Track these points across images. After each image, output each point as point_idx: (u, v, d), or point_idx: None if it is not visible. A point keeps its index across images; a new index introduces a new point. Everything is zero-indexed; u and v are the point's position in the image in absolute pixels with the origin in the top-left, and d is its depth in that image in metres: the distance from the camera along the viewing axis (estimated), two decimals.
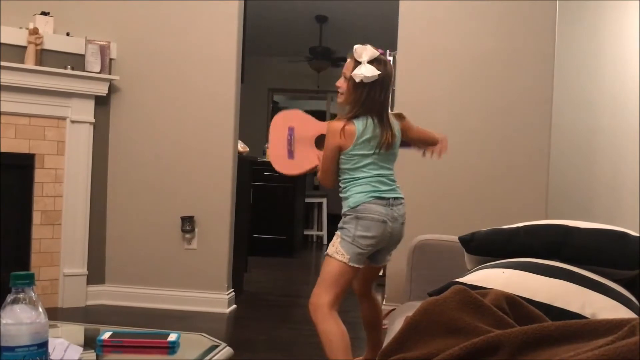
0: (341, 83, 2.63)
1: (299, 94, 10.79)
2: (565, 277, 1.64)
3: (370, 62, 2.54)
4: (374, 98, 2.54)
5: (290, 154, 2.89)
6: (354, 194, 2.54)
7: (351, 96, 2.56)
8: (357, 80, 2.51)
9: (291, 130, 2.90)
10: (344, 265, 2.50)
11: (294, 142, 2.88)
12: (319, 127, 2.87)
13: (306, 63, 9.07)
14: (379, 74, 2.52)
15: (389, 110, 2.63)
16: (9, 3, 4.04)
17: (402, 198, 2.62)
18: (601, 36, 4.71)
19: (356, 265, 2.52)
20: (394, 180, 2.63)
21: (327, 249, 2.58)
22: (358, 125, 2.52)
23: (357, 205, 2.52)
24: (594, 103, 4.73)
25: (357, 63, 2.55)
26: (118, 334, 1.73)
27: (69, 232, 4.14)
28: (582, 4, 4.69)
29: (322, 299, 2.50)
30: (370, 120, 2.53)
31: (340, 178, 2.61)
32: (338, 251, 2.51)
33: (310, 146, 2.87)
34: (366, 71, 2.51)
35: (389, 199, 2.55)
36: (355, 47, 2.60)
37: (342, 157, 2.56)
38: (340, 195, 2.62)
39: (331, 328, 2.49)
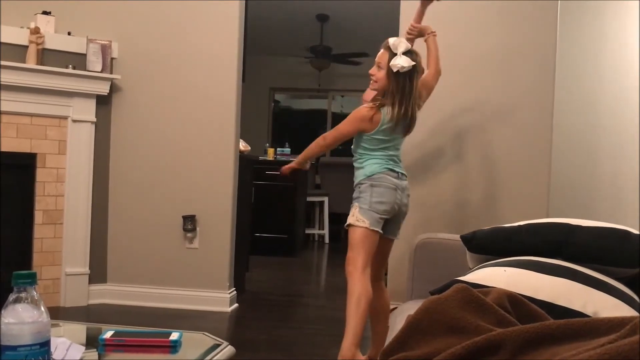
0: (375, 71, 2.86)
1: (300, 93, 10.79)
2: (567, 276, 1.64)
3: (404, 53, 2.78)
4: (404, 88, 2.78)
5: None
6: (370, 165, 2.83)
7: (386, 85, 2.81)
8: (395, 70, 2.75)
9: None
10: (365, 230, 2.74)
11: None
12: None
13: (307, 62, 9.07)
14: (413, 65, 2.76)
15: (415, 98, 2.86)
16: (10, 2, 4.05)
17: (406, 175, 2.94)
18: (602, 36, 4.70)
19: (376, 229, 2.76)
20: (400, 161, 2.94)
21: (347, 221, 2.82)
22: (384, 113, 2.79)
23: (373, 175, 2.81)
24: (596, 102, 4.73)
25: (393, 54, 2.78)
26: (120, 333, 1.73)
27: (70, 232, 4.15)
28: (584, 3, 4.69)
29: (355, 262, 2.73)
30: (397, 110, 2.78)
31: (359, 151, 2.89)
32: (358, 219, 2.76)
33: None
34: (403, 62, 2.75)
35: (398, 172, 2.86)
36: (391, 40, 2.84)
37: (364, 136, 2.84)
38: (355, 164, 2.90)
39: (359, 289, 2.69)
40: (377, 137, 2.83)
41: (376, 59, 2.87)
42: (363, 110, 2.83)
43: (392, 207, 2.81)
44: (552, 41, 4.01)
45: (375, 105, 2.81)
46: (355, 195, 2.85)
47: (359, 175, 2.86)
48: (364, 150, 2.87)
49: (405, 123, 2.85)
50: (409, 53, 2.79)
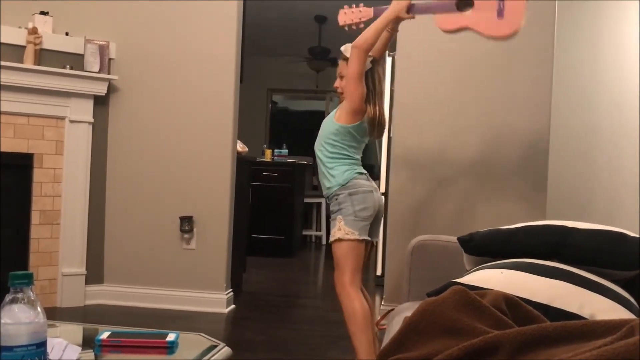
0: (339, 83, 2.84)
1: (298, 94, 10.79)
2: (564, 278, 1.64)
3: None
4: (368, 88, 2.75)
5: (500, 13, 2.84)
6: (341, 172, 2.76)
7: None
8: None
9: None
10: (354, 242, 2.70)
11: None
12: None
13: (305, 63, 9.07)
14: (370, 61, 2.75)
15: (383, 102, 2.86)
16: (8, 3, 4.04)
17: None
18: (600, 36, 4.71)
19: (365, 237, 2.72)
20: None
21: (330, 238, 2.78)
22: (369, 109, 2.76)
23: (347, 182, 2.74)
24: (593, 104, 4.73)
25: (347, 60, 2.76)
26: (116, 334, 1.73)
27: (67, 232, 4.14)
28: (581, 4, 4.70)
29: (342, 280, 2.71)
30: (375, 109, 2.76)
31: (329, 150, 2.79)
32: (347, 232, 2.71)
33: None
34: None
35: (365, 174, 2.82)
36: (343, 47, 2.83)
37: (340, 127, 2.76)
38: (323, 169, 2.81)
39: (353, 306, 2.68)
40: (353, 133, 2.77)
41: (337, 71, 2.85)
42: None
43: (374, 210, 2.76)
44: (549, 42, 4.02)
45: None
46: (333, 207, 2.78)
47: (331, 186, 2.78)
48: (336, 150, 2.77)
49: (381, 125, 2.81)
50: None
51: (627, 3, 4.58)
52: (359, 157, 2.85)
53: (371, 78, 2.77)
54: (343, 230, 2.71)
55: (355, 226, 2.69)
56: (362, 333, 2.66)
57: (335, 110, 2.86)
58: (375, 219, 2.81)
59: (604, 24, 4.71)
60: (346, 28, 2.99)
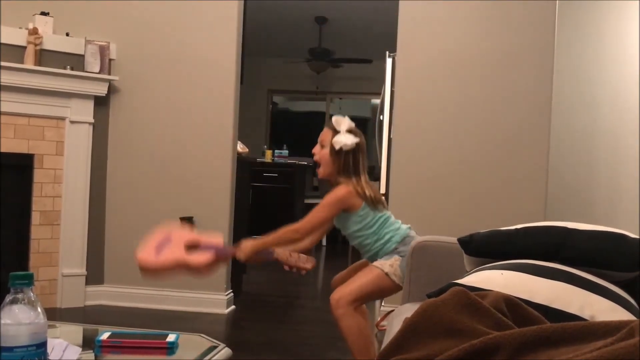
0: (317, 150, 2.82)
1: (298, 95, 10.79)
2: (564, 279, 1.64)
3: (348, 132, 2.75)
4: (348, 165, 2.74)
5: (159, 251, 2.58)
6: (394, 231, 2.76)
7: (330, 164, 2.77)
8: (337, 147, 2.72)
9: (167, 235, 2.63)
10: (394, 286, 2.68)
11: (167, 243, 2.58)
12: (190, 235, 2.63)
13: (305, 64, 9.07)
14: (356, 143, 2.73)
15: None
16: (9, 3, 4.04)
17: None
18: (601, 37, 4.71)
19: (401, 285, 2.65)
20: None
21: (381, 266, 2.70)
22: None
23: (403, 239, 2.75)
24: (594, 104, 4.73)
25: (336, 132, 2.75)
26: (117, 335, 1.73)
27: (67, 233, 4.14)
28: (582, 4, 4.70)
29: (347, 299, 2.63)
30: (362, 182, 2.76)
31: (367, 239, 2.77)
32: (395, 273, 2.68)
33: (179, 248, 2.54)
34: (346, 139, 2.71)
35: (409, 227, 2.88)
36: (334, 117, 2.81)
37: (356, 217, 2.74)
38: (375, 249, 2.76)
39: (355, 324, 2.63)
40: (366, 210, 2.74)
41: (319, 138, 2.84)
42: (342, 187, 2.73)
43: None
44: (550, 43, 4.02)
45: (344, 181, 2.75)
46: (392, 255, 2.74)
47: (391, 247, 2.74)
48: (372, 230, 2.76)
49: (378, 196, 2.78)
50: (351, 132, 2.76)
51: (628, 3, 4.58)
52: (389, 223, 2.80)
53: (352, 157, 2.75)
54: (394, 268, 2.68)
55: (403, 273, 2.64)
56: (362, 350, 2.62)
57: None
58: None
59: (604, 24, 4.71)
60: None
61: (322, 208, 2.74)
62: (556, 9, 4.02)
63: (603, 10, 4.70)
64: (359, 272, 2.78)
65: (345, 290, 2.66)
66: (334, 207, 2.73)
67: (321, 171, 2.84)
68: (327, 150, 2.77)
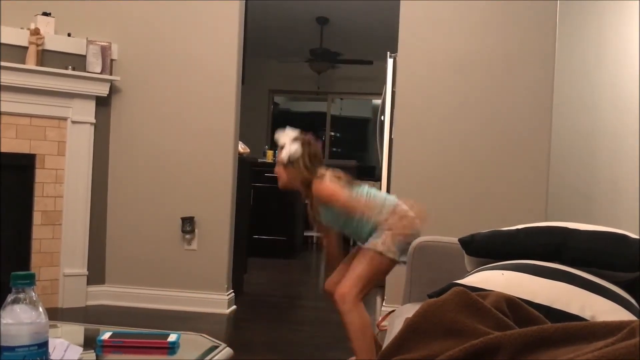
0: (276, 169, 2.93)
1: (299, 95, 10.79)
2: (565, 279, 1.64)
3: (293, 141, 2.86)
4: (309, 165, 2.85)
5: None
6: (380, 208, 2.80)
7: (289, 176, 2.88)
8: (286, 160, 2.84)
9: None
10: (389, 260, 2.73)
11: None
12: None
13: (307, 64, 9.07)
14: (300, 149, 2.84)
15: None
16: (10, 3, 4.05)
17: None
18: (602, 37, 4.71)
19: (401, 260, 2.71)
20: None
21: (366, 244, 2.77)
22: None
23: (395, 205, 2.82)
24: (594, 105, 4.73)
25: (281, 148, 2.87)
26: (118, 334, 1.73)
27: (69, 233, 4.14)
28: (583, 4, 4.69)
29: (352, 291, 2.68)
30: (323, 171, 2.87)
31: (355, 222, 2.83)
32: (389, 248, 2.72)
33: None
34: (290, 149, 2.84)
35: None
36: (275, 135, 2.93)
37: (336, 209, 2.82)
38: (363, 227, 2.82)
39: (359, 320, 2.68)
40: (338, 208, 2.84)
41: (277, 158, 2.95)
42: (323, 183, 2.84)
43: (415, 238, 2.69)
44: (551, 43, 4.02)
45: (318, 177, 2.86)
46: (382, 231, 2.78)
47: (378, 223, 2.80)
48: (355, 212, 2.83)
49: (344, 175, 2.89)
50: (295, 140, 2.87)
51: (628, 3, 4.58)
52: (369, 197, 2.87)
53: (302, 160, 2.85)
54: (387, 245, 2.71)
55: (399, 246, 2.71)
56: (364, 347, 2.66)
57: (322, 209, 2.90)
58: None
59: (605, 25, 4.71)
60: None
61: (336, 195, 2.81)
62: (557, 9, 4.02)
63: (604, 11, 4.70)
64: (354, 261, 2.81)
65: (347, 284, 2.70)
66: (339, 194, 2.80)
67: (280, 184, 2.94)
68: (281, 167, 2.89)
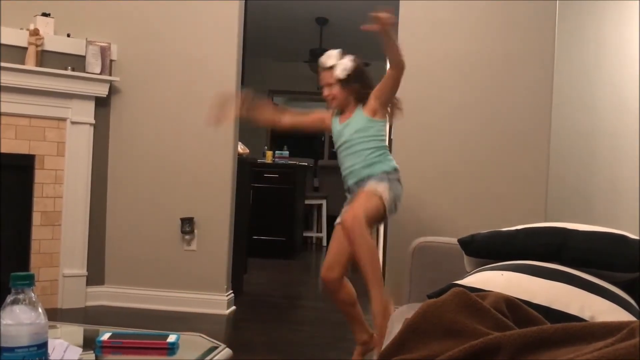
0: (328, 91, 2.96)
1: (298, 96, 10.79)
2: (564, 280, 1.64)
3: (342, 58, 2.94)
4: (360, 88, 2.96)
5: None
6: (388, 161, 2.96)
7: (344, 95, 2.95)
8: (344, 76, 2.89)
9: None
10: (382, 207, 2.82)
11: None
12: None
13: (306, 65, 9.08)
14: (355, 64, 2.93)
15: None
16: (10, 4, 4.05)
17: None
18: (601, 38, 4.71)
19: (385, 216, 2.89)
20: None
21: (374, 187, 2.85)
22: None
23: (397, 170, 2.95)
24: (594, 106, 4.73)
25: (331, 67, 2.92)
26: (117, 335, 1.73)
27: (68, 233, 4.14)
28: (582, 4, 4.70)
29: (362, 220, 2.71)
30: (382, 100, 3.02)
31: (374, 146, 2.94)
32: (385, 197, 2.82)
33: None
34: (345, 65, 2.90)
35: None
36: (321, 59, 2.96)
37: (380, 124, 2.97)
38: (372, 157, 2.93)
39: (369, 242, 2.75)
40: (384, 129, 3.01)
41: (321, 82, 2.98)
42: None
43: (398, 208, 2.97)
44: (550, 44, 4.02)
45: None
46: (381, 179, 2.88)
47: (372, 172, 2.91)
48: (381, 143, 2.97)
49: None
50: (342, 58, 2.95)
51: (628, 3, 4.58)
52: None
53: (359, 80, 2.96)
54: (385, 194, 2.82)
55: (390, 201, 2.84)
56: (373, 267, 2.71)
57: (360, 112, 2.97)
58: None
59: (605, 25, 4.71)
60: None
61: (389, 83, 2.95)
62: (556, 10, 4.02)
63: (604, 11, 4.70)
64: (358, 198, 2.84)
65: (355, 211, 2.72)
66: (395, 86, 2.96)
67: (335, 103, 3.00)
68: (337, 87, 2.92)
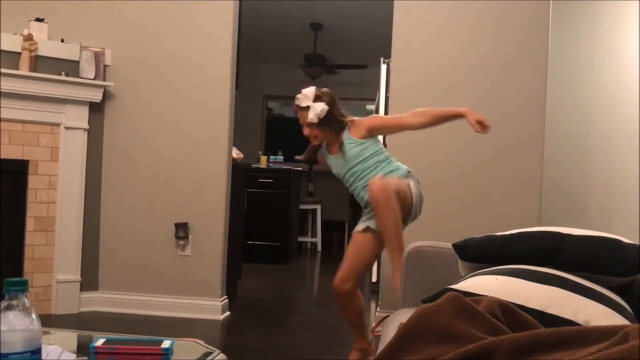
0: (309, 131, 3.00)
1: (293, 101, 10.80)
2: (558, 284, 1.65)
3: (314, 100, 2.96)
4: (337, 117, 3.00)
5: None
6: (400, 166, 3.03)
7: (326, 131, 3.00)
8: (317, 120, 2.92)
9: None
10: (410, 197, 2.93)
11: None
12: None
13: (301, 70, 9.09)
14: (327, 107, 2.94)
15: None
16: (4, 9, 4.04)
17: None
18: (595, 42, 4.73)
19: (411, 212, 2.99)
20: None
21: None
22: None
23: (410, 173, 3.05)
24: (588, 109, 4.75)
25: (307, 108, 2.94)
26: (111, 341, 1.72)
27: (62, 239, 4.13)
28: (576, 9, 4.71)
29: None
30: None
31: (384, 157, 3.01)
32: (412, 186, 2.95)
33: None
34: (319, 108, 2.92)
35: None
36: (297, 99, 3.00)
37: (371, 140, 3.01)
38: (381, 170, 2.96)
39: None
40: (375, 139, 3.07)
41: (300, 121, 3.01)
42: (367, 118, 3.14)
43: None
44: (544, 46, 4.03)
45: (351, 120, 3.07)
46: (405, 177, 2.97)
47: (397, 175, 2.96)
48: (381, 155, 3.01)
49: None
50: (316, 97, 2.96)
51: (622, 8, 4.60)
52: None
53: (332, 115, 2.98)
54: (412, 185, 2.91)
55: (417, 195, 2.93)
56: (398, 232, 2.80)
57: (348, 138, 3.00)
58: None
59: (598, 30, 4.73)
60: None
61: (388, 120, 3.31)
62: (549, 12, 4.03)
63: (597, 15, 4.72)
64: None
65: (386, 183, 2.78)
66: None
67: (317, 141, 3.06)
68: (314, 127, 2.97)
